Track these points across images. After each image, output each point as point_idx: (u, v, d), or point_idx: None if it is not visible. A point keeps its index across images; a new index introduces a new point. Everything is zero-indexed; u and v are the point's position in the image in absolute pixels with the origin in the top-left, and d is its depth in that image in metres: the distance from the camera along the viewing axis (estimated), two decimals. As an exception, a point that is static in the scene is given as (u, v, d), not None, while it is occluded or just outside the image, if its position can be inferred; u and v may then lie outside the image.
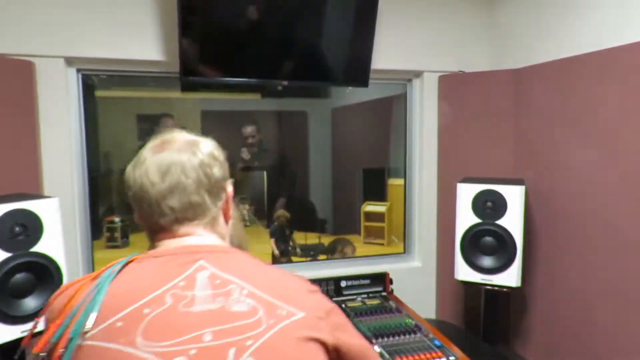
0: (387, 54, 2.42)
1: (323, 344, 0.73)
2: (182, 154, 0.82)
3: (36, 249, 1.49)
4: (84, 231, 2.17)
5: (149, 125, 2.52)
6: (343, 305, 2.01)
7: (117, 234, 2.41)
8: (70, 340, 0.69)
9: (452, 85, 2.51)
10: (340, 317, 0.81)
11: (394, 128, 2.81)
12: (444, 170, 2.56)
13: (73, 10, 1.97)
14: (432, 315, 2.64)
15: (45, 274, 1.50)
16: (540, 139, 2.20)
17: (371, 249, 2.82)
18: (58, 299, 0.77)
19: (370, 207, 2.89)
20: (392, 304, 2.04)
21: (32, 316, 1.45)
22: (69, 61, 2.05)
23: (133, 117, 2.49)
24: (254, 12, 2.04)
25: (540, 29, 2.26)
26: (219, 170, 0.86)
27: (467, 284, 2.18)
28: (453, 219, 2.17)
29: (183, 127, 2.69)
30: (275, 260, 2.65)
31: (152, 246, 0.84)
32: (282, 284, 0.78)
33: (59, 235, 1.55)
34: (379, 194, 2.88)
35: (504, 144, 2.39)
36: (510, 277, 2.04)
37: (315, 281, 2.07)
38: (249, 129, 2.69)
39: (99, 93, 2.32)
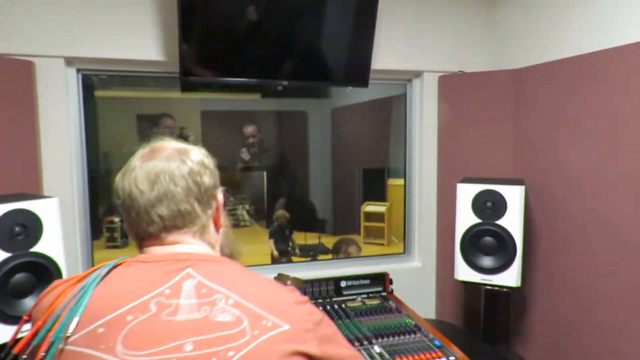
0: (387, 54, 2.42)
1: (309, 358, 0.72)
2: (171, 162, 0.82)
3: (36, 249, 1.48)
4: (84, 231, 2.17)
5: (149, 125, 2.52)
6: (343, 305, 2.01)
7: (117, 234, 2.41)
8: (52, 344, 0.69)
9: (452, 86, 2.51)
10: (329, 329, 0.79)
11: (394, 128, 2.81)
12: (443, 170, 2.56)
13: (73, 10, 1.97)
14: (432, 315, 2.64)
15: (45, 274, 1.49)
16: (540, 139, 2.20)
17: (371, 249, 2.81)
18: (44, 299, 0.77)
19: (370, 207, 2.88)
20: (392, 304, 2.04)
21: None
22: (69, 61, 2.05)
23: (133, 117, 2.49)
24: (254, 12, 2.04)
25: (540, 29, 2.26)
26: (209, 178, 0.85)
27: (467, 284, 2.18)
28: (453, 219, 2.17)
29: (183, 127, 2.70)
30: (274, 261, 2.65)
31: (141, 252, 0.84)
32: (270, 294, 0.77)
33: (59, 236, 1.55)
34: (379, 194, 2.88)
35: (504, 144, 2.39)
36: (510, 277, 2.04)
37: (315, 281, 2.09)
38: (250, 129, 2.69)
39: (98, 93, 2.32)
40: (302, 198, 2.90)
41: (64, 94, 2.02)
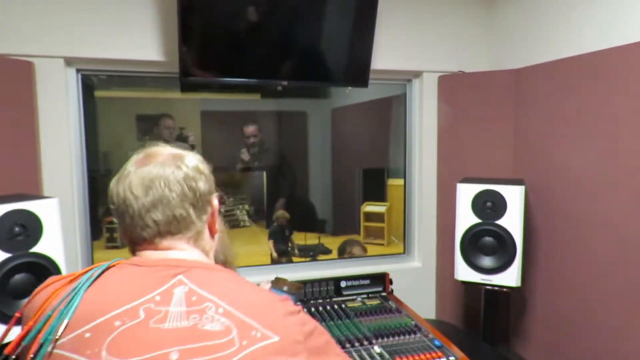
0: (386, 54, 2.42)
1: None
2: (166, 168, 0.81)
3: (36, 249, 1.48)
4: (84, 231, 2.17)
5: (149, 125, 2.52)
6: (343, 305, 2.01)
7: (117, 235, 2.41)
8: (41, 345, 0.69)
9: (452, 86, 2.51)
10: (321, 339, 0.77)
11: (394, 128, 2.81)
12: (443, 170, 2.56)
13: (73, 10, 1.97)
14: (432, 315, 2.64)
15: (45, 275, 1.49)
16: (540, 139, 2.20)
17: (371, 249, 2.81)
18: (36, 298, 0.77)
19: (370, 207, 2.88)
20: (392, 304, 2.04)
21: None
22: (69, 61, 2.05)
23: (132, 118, 2.49)
24: (254, 13, 2.04)
25: (540, 29, 2.26)
26: (204, 184, 0.85)
27: (467, 284, 2.18)
28: (453, 219, 2.17)
29: (182, 128, 2.69)
30: (274, 262, 2.65)
31: (134, 255, 0.84)
32: (261, 304, 0.75)
33: (59, 236, 1.55)
34: (379, 194, 2.88)
35: (504, 144, 2.39)
36: (510, 277, 2.04)
37: (315, 281, 2.08)
38: (250, 128, 2.69)
39: (98, 93, 2.31)
40: (301, 198, 2.90)
41: (63, 94, 2.02)
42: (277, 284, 1.72)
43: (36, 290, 0.78)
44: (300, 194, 2.91)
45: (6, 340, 1.41)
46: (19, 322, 0.79)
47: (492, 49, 2.60)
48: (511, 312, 2.43)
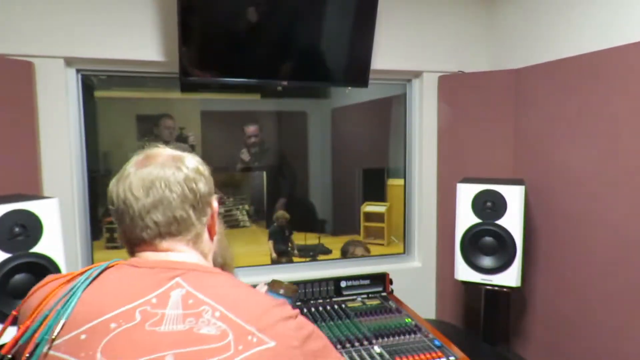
0: (386, 54, 2.42)
1: None
2: (166, 169, 0.81)
3: (36, 249, 1.48)
4: (84, 232, 2.17)
5: (149, 125, 2.52)
6: (343, 305, 2.01)
7: (117, 235, 2.41)
8: (37, 345, 0.68)
9: (452, 86, 2.51)
10: (318, 343, 0.77)
11: (394, 128, 2.81)
12: (443, 170, 2.56)
13: (73, 10, 1.97)
14: (432, 315, 2.64)
15: (45, 275, 1.47)
16: (540, 139, 2.20)
17: (371, 249, 2.82)
18: (34, 296, 0.76)
19: (370, 207, 2.88)
20: (392, 304, 2.04)
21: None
22: (69, 61, 2.05)
23: (132, 118, 2.49)
24: (254, 13, 2.04)
25: (540, 29, 2.26)
26: (204, 185, 0.85)
27: (467, 284, 2.18)
28: (453, 219, 2.17)
29: (182, 128, 2.69)
30: (274, 262, 2.65)
31: (132, 257, 0.83)
32: (258, 309, 0.74)
33: (59, 236, 1.55)
34: (379, 194, 2.88)
35: (504, 144, 2.39)
36: (510, 277, 2.04)
37: (315, 281, 2.08)
38: (251, 128, 2.69)
39: (98, 93, 2.31)
40: (301, 198, 2.90)
41: (63, 95, 2.02)
42: (274, 286, 1.72)
43: (33, 288, 0.78)
44: (300, 194, 2.91)
45: (3, 340, 1.41)
46: (15, 320, 0.79)
47: (492, 49, 2.60)
48: (511, 312, 2.43)
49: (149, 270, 0.77)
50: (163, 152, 0.86)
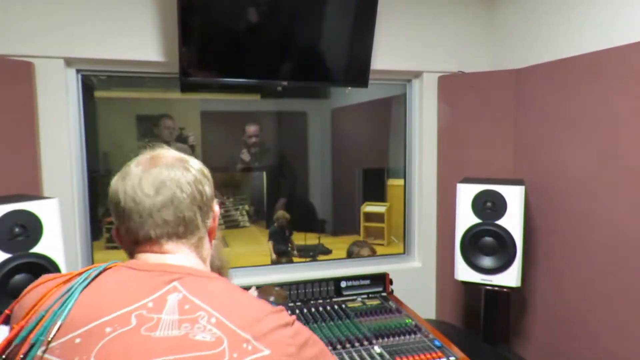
0: (386, 54, 2.42)
1: None
2: (175, 170, 0.82)
3: (36, 249, 1.48)
4: (84, 232, 2.17)
5: (149, 125, 2.52)
6: (343, 306, 2.01)
7: (117, 235, 2.41)
8: (32, 346, 0.68)
9: (452, 86, 2.51)
10: (315, 349, 0.76)
11: (394, 128, 2.81)
12: (443, 170, 2.56)
13: (73, 10, 1.97)
14: (432, 315, 2.64)
15: (45, 275, 1.49)
16: (540, 139, 2.20)
17: (371, 249, 2.82)
18: (28, 296, 0.76)
19: (370, 207, 2.89)
20: (392, 304, 2.04)
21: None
22: (69, 62, 2.05)
23: (132, 118, 2.49)
24: (254, 13, 2.04)
25: (540, 29, 2.26)
26: (209, 188, 0.86)
27: (467, 284, 2.18)
28: (453, 219, 2.17)
29: (182, 128, 2.69)
30: (274, 262, 2.65)
31: (131, 259, 0.83)
32: (254, 316, 0.73)
33: (59, 236, 1.55)
34: (379, 195, 2.88)
35: (504, 144, 2.39)
36: (510, 277, 2.04)
37: (315, 281, 2.09)
38: (252, 128, 2.69)
39: (98, 94, 2.31)
40: (301, 198, 2.90)
41: (63, 95, 2.02)
42: (264, 293, 1.72)
43: (27, 288, 0.77)
44: (300, 194, 2.91)
45: None
46: (7, 320, 0.78)
47: (492, 49, 2.60)
48: (511, 312, 2.43)
49: (146, 273, 0.76)
50: (167, 153, 0.86)
